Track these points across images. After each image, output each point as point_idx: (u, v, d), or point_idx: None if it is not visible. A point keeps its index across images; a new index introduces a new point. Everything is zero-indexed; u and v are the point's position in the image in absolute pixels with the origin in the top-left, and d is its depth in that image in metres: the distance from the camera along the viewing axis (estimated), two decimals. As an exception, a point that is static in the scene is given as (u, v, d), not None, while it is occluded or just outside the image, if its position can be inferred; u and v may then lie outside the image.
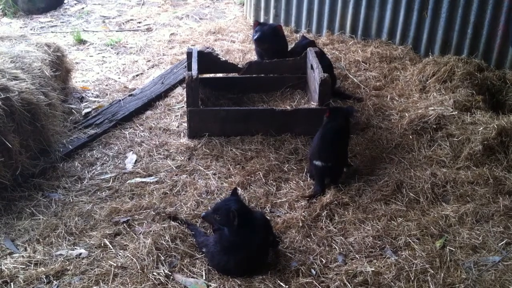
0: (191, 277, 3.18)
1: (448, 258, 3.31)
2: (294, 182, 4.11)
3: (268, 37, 5.36)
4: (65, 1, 8.72)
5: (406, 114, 4.89)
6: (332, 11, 6.71)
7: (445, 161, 4.30)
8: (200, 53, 5.04)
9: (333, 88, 5.21)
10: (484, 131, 4.39)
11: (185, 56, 5.45)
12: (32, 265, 3.25)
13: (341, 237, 3.54)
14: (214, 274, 3.22)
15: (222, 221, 3.20)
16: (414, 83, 5.48)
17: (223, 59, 5.34)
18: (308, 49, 5.09)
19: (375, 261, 3.32)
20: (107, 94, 5.57)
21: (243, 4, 8.03)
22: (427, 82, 5.43)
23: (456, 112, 4.76)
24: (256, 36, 5.33)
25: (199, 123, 4.60)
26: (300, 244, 3.46)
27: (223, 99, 5.17)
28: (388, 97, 5.34)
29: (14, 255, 3.35)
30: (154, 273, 3.16)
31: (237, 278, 3.16)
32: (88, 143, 4.61)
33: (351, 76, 5.75)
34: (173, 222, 3.58)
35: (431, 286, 3.11)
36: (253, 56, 6.08)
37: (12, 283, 3.12)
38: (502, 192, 3.90)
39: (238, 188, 3.95)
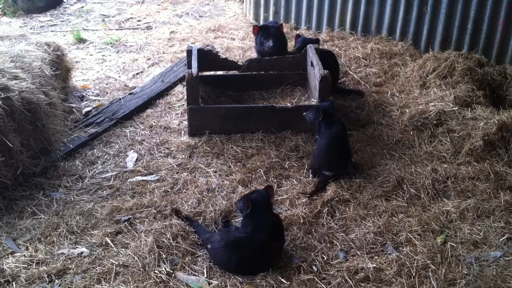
0: (193, 275, 3.19)
1: (449, 254, 3.32)
2: (295, 179, 4.11)
3: (279, 42, 5.37)
4: (64, 0, 8.72)
5: (407, 110, 4.88)
6: (331, 7, 6.70)
7: (446, 157, 4.30)
8: (200, 51, 5.04)
9: (335, 85, 5.22)
10: (485, 126, 4.39)
11: (185, 54, 5.44)
12: (34, 264, 3.26)
13: (342, 234, 3.54)
14: (215, 271, 3.22)
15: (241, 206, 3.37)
16: (415, 79, 5.48)
17: (223, 56, 5.34)
18: (308, 46, 5.08)
19: (376, 257, 3.32)
20: (107, 93, 5.57)
21: (243, 2, 8.03)
22: (428, 78, 5.42)
23: (456, 108, 4.75)
24: (271, 44, 5.29)
25: (200, 121, 4.61)
26: (301, 241, 3.47)
27: (224, 96, 5.17)
28: (389, 93, 5.33)
29: (15, 254, 3.35)
30: (155, 271, 3.17)
31: (239, 276, 3.17)
32: (88, 142, 4.62)
33: (351, 73, 5.74)
34: (175, 220, 3.57)
35: (433, 282, 3.11)
36: (253, 54, 6.08)
37: (14, 283, 3.12)
38: (503, 187, 3.90)
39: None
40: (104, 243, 3.44)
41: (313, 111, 4.19)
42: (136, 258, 3.25)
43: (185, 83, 4.69)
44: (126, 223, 3.61)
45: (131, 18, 8.02)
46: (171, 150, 4.49)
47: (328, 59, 5.08)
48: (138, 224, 3.61)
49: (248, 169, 4.18)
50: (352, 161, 4.23)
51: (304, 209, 3.74)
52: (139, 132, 4.78)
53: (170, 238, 3.40)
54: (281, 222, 3.46)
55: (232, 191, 3.95)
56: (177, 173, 4.19)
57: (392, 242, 3.46)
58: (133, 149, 4.54)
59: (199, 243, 3.43)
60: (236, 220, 3.68)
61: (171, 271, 3.19)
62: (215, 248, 3.27)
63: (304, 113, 4.28)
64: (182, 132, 4.73)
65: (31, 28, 7.53)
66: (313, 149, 4.28)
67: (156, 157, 4.41)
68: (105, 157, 4.45)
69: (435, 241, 3.43)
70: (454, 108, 4.75)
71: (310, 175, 4.14)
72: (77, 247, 3.42)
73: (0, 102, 3.78)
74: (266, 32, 5.37)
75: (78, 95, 5.49)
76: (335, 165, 4.05)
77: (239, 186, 3.98)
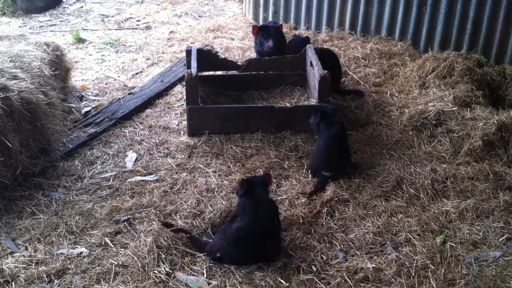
0: (192, 275, 3.18)
1: (449, 254, 3.32)
2: (294, 179, 4.11)
3: (279, 42, 5.37)
4: (63, 0, 8.72)
5: (406, 110, 4.89)
6: (331, 7, 6.71)
7: (445, 157, 4.30)
8: (200, 51, 5.04)
9: (337, 86, 5.23)
10: (484, 126, 4.39)
11: (184, 54, 5.44)
12: (33, 264, 3.26)
13: (342, 234, 3.54)
14: (215, 272, 3.22)
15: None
16: (414, 79, 5.48)
17: (223, 56, 5.33)
18: (307, 45, 5.09)
19: (375, 257, 3.32)
20: (106, 93, 5.57)
21: (242, 1, 8.03)
22: (427, 78, 5.42)
23: (456, 108, 4.76)
24: (271, 44, 5.29)
25: (199, 121, 4.60)
26: (300, 241, 3.47)
27: (223, 96, 5.16)
28: (388, 93, 5.34)
29: (15, 254, 3.35)
30: (155, 271, 3.16)
31: (238, 276, 3.17)
32: (88, 142, 4.61)
33: (350, 73, 5.74)
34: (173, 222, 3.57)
35: (432, 282, 3.11)
36: (252, 54, 6.08)
37: (13, 283, 3.12)
38: (502, 188, 3.90)
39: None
40: (103, 243, 3.43)
41: (312, 113, 4.20)
42: (135, 258, 3.25)
43: (184, 83, 4.69)
44: (125, 223, 3.61)
45: (130, 18, 8.02)
46: (171, 150, 4.49)
47: (329, 59, 5.09)
48: (137, 224, 3.61)
49: (247, 169, 4.18)
50: (352, 161, 4.23)
51: (303, 209, 3.74)
52: (138, 132, 4.78)
53: (170, 238, 3.40)
54: (276, 207, 3.48)
55: (232, 191, 3.94)
56: (176, 173, 4.19)
57: (392, 242, 3.46)
58: (132, 149, 4.54)
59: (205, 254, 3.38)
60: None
61: (171, 271, 3.19)
62: (227, 252, 3.25)
63: (308, 119, 4.30)
64: (182, 132, 4.73)
65: (30, 28, 7.53)
66: (312, 149, 4.28)
67: (155, 157, 4.41)
68: (105, 157, 4.44)
69: (434, 241, 3.43)
70: (453, 108, 4.75)
71: (310, 175, 4.14)
72: (76, 247, 3.42)
73: (0, 102, 3.78)
74: (266, 33, 5.38)
75: (78, 95, 5.49)
76: (334, 165, 4.05)
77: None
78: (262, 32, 5.41)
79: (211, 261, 3.28)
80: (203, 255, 3.32)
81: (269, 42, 5.31)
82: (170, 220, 3.61)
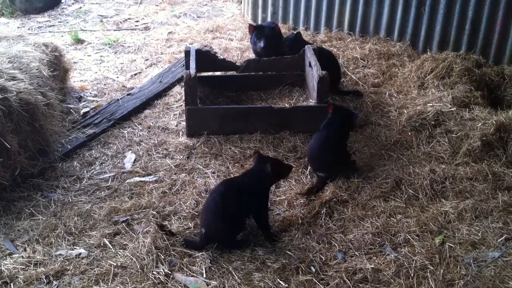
0: (191, 276, 3.18)
1: (448, 254, 3.31)
2: (293, 179, 4.11)
3: (272, 43, 5.37)
4: (62, 1, 8.72)
5: (405, 111, 4.89)
6: (330, 8, 6.71)
7: (444, 158, 4.30)
8: (198, 52, 5.03)
9: (336, 86, 5.23)
10: (483, 127, 4.39)
11: (183, 54, 5.45)
12: (32, 266, 3.26)
13: (341, 234, 3.54)
14: (214, 272, 3.22)
15: None
16: (413, 80, 5.48)
17: (221, 57, 5.34)
18: (306, 46, 5.09)
19: (374, 258, 3.32)
20: (105, 94, 5.57)
21: (241, 2, 8.03)
22: (426, 79, 5.42)
23: (454, 108, 4.76)
24: (262, 45, 5.31)
25: (198, 121, 4.60)
26: (299, 242, 3.47)
27: (222, 97, 5.16)
28: (387, 93, 5.34)
29: (13, 255, 3.35)
30: (153, 272, 3.16)
31: (237, 276, 3.16)
32: (86, 143, 4.61)
33: (349, 73, 5.74)
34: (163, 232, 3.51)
35: (431, 283, 3.11)
36: (251, 54, 6.08)
37: (12, 284, 3.12)
38: (501, 188, 3.90)
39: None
40: (102, 244, 3.43)
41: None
42: (134, 259, 3.25)
43: (183, 83, 4.68)
44: (124, 224, 3.61)
45: (129, 18, 8.02)
46: (169, 151, 4.49)
47: (329, 60, 5.09)
48: (136, 225, 3.61)
49: (246, 170, 4.17)
50: (350, 162, 4.23)
51: (302, 209, 3.74)
52: (137, 133, 4.78)
53: (168, 239, 3.39)
54: (258, 193, 3.47)
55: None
56: (175, 174, 4.19)
57: (391, 242, 3.46)
58: (131, 150, 4.53)
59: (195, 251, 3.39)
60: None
61: (169, 272, 3.19)
62: (205, 222, 3.35)
63: None
64: (180, 133, 4.73)
65: (29, 29, 7.52)
66: (309, 145, 4.25)
67: (154, 158, 4.41)
68: (103, 158, 4.44)
69: (433, 241, 3.43)
70: (452, 109, 4.75)
71: (309, 176, 4.14)
72: (75, 248, 3.41)
73: (-2, 103, 3.78)
74: (260, 32, 5.39)
75: (76, 96, 5.48)
76: (329, 167, 4.04)
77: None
78: (257, 31, 5.43)
79: (209, 253, 3.28)
80: (200, 254, 3.32)
81: (261, 42, 5.33)
82: (169, 221, 3.61)
